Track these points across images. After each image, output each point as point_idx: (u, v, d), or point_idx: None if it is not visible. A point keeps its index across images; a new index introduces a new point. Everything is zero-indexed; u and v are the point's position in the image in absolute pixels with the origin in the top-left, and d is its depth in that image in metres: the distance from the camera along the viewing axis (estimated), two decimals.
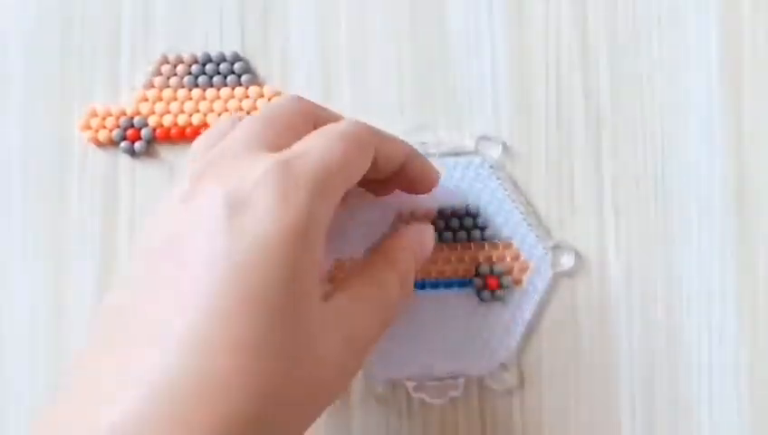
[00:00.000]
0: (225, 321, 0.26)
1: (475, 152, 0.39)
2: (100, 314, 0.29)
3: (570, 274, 0.39)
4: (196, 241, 0.27)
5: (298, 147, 0.30)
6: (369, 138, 0.32)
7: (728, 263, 0.39)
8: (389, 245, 0.35)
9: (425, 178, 0.36)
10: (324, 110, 0.34)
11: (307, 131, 0.32)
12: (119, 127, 0.40)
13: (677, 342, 0.39)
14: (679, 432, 0.39)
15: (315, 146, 0.30)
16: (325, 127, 0.31)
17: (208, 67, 0.40)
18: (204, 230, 0.27)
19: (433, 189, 0.37)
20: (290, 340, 0.27)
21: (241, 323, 0.26)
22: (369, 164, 0.32)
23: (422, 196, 0.38)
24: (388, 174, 0.34)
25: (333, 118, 0.34)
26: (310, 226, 0.28)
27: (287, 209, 0.28)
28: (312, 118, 0.33)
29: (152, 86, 0.41)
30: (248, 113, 0.40)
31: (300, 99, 0.33)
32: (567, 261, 0.39)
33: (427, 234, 0.37)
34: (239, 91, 0.40)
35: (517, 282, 0.39)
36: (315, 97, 0.40)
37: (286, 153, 0.29)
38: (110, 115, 0.40)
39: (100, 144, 0.40)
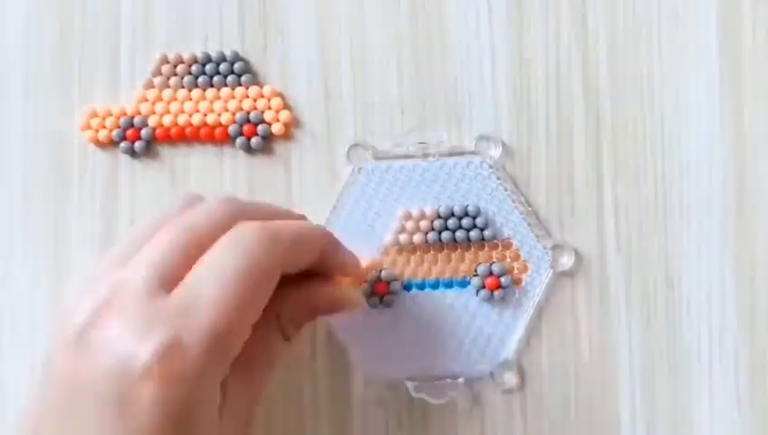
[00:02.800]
0: None
1: (475, 152, 0.39)
2: None
3: (569, 274, 0.39)
4: (84, 416, 0.28)
5: (187, 299, 0.29)
6: (274, 257, 0.31)
7: (728, 263, 0.39)
8: (279, 305, 0.33)
9: (344, 273, 0.36)
10: (256, 213, 0.33)
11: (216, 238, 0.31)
12: (119, 127, 0.40)
13: (677, 342, 0.39)
14: (679, 432, 0.39)
15: (205, 304, 0.29)
16: (219, 261, 0.30)
17: (208, 67, 0.40)
18: (93, 411, 0.28)
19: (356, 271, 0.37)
20: None
21: None
22: (275, 284, 0.31)
23: (422, 196, 0.38)
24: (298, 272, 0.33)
25: (258, 215, 0.33)
26: (198, 406, 0.28)
27: (173, 401, 0.27)
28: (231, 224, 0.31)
29: (152, 86, 0.41)
30: (248, 114, 0.40)
31: (228, 206, 0.32)
32: (567, 261, 0.39)
33: (341, 299, 0.35)
34: (239, 91, 0.40)
35: (517, 282, 0.39)
36: (315, 97, 0.40)
37: (177, 321, 0.28)
38: (110, 115, 0.40)
39: (100, 144, 0.40)
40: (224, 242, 0.30)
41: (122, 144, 0.40)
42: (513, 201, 0.39)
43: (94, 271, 0.31)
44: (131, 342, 0.28)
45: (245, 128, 0.40)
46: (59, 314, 0.30)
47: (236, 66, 0.40)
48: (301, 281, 0.34)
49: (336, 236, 0.36)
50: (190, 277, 0.29)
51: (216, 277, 0.29)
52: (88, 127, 0.40)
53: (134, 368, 0.27)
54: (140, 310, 0.28)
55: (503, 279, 0.39)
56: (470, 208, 0.39)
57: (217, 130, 0.40)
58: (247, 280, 0.29)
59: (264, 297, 0.30)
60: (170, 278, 0.29)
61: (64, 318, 0.29)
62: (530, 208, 0.39)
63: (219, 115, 0.40)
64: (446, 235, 0.39)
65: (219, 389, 0.29)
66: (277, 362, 0.33)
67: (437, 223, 0.39)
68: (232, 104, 0.40)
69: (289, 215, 0.35)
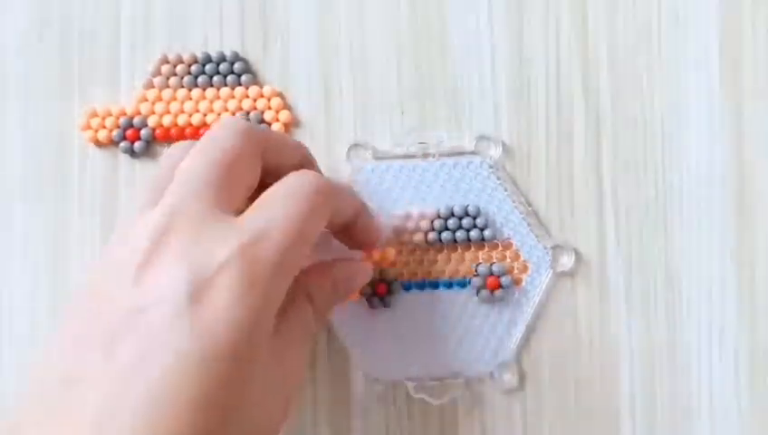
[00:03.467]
0: (172, 410, 0.26)
1: (475, 152, 0.39)
2: (38, 379, 0.28)
3: (569, 274, 0.39)
4: (154, 333, 0.27)
5: (259, 221, 0.29)
6: (328, 197, 0.32)
7: (728, 263, 0.39)
8: (309, 280, 0.34)
9: (367, 238, 0.37)
10: (271, 137, 0.33)
11: (256, 177, 0.32)
12: (118, 127, 0.40)
13: (677, 342, 0.39)
14: (679, 432, 0.39)
15: (277, 222, 0.29)
16: (285, 189, 0.31)
17: (208, 67, 0.40)
18: (162, 319, 0.27)
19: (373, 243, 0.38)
20: (233, 429, 0.28)
21: (185, 419, 0.26)
22: (325, 223, 0.32)
23: (422, 196, 0.38)
24: (333, 228, 0.35)
25: (282, 145, 0.34)
26: (267, 312, 0.29)
27: (248, 305, 0.28)
28: (260, 153, 0.32)
29: (152, 86, 0.41)
30: (248, 113, 0.40)
31: (245, 132, 0.32)
32: (567, 261, 0.39)
33: (357, 271, 0.36)
34: (239, 91, 0.40)
35: (517, 282, 0.39)
36: (315, 97, 0.40)
37: (248, 232, 0.29)
38: (110, 115, 0.40)
39: (100, 144, 0.40)
40: (290, 180, 0.31)
41: (122, 144, 0.40)
42: (513, 201, 0.39)
43: (134, 209, 0.31)
44: (206, 249, 0.28)
45: None
46: (107, 255, 0.30)
47: (236, 66, 0.40)
48: (328, 263, 0.35)
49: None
50: (257, 203, 0.30)
51: (284, 204, 0.30)
52: (88, 127, 0.40)
53: (209, 268, 0.27)
54: (207, 223, 0.29)
55: (503, 279, 0.39)
56: (470, 208, 0.39)
57: None
58: (313, 206, 0.30)
59: (323, 221, 0.32)
60: (226, 195, 0.30)
61: (117, 257, 0.29)
62: (530, 208, 0.39)
63: (219, 115, 0.40)
64: (446, 235, 0.39)
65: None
66: (310, 342, 0.34)
67: (437, 223, 0.39)
68: (232, 104, 0.40)
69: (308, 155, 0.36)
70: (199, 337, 0.27)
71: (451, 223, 0.39)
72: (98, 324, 0.27)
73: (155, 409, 0.26)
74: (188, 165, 0.30)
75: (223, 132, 0.31)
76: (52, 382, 0.27)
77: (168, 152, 0.33)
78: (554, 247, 0.39)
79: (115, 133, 0.40)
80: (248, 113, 0.40)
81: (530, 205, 0.39)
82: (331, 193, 0.32)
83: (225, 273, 0.27)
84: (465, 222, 0.39)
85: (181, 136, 0.40)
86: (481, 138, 0.39)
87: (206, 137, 0.31)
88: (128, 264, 0.28)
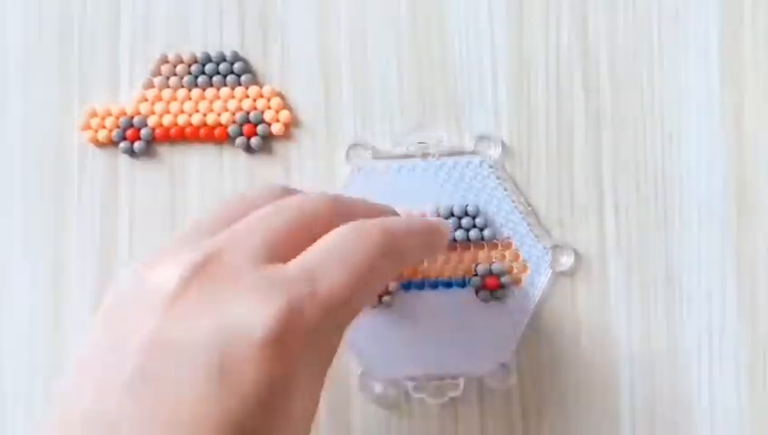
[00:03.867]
0: None
1: (475, 152, 0.39)
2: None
3: (569, 273, 0.39)
4: (180, 389, 0.26)
5: (304, 282, 0.27)
6: (394, 253, 0.30)
7: (728, 263, 0.39)
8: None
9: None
10: (357, 209, 0.32)
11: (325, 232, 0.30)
12: (118, 127, 0.40)
13: (677, 342, 0.39)
14: (679, 432, 0.39)
15: (326, 278, 0.27)
16: (341, 243, 0.29)
17: (208, 67, 0.40)
18: (190, 381, 0.26)
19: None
20: None
21: None
22: (389, 280, 0.31)
23: (421, 196, 0.38)
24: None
25: (368, 212, 0.32)
26: (299, 379, 0.27)
27: (283, 372, 0.26)
28: (340, 222, 0.30)
29: (152, 86, 0.41)
30: (248, 114, 0.40)
31: (332, 201, 0.31)
32: (566, 261, 0.39)
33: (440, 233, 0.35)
34: (239, 91, 0.40)
35: (516, 281, 0.39)
36: (315, 97, 0.40)
37: (291, 292, 0.27)
38: (110, 115, 0.40)
39: (99, 144, 0.40)
40: (344, 230, 0.29)
41: (122, 144, 0.40)
42: (513, 201, 0.39)
43: (175, 242, 0.29)
44: (242, 307, 0.26)
45: (245, 128, 0.40)
46: (133, 280, 0.28)
47: (236, 66, 0.40)
48: None
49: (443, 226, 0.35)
50: (309, 252, 0.28)
51: (339, 257, 0.28)
52: (88, 127, 0.40)
53: (245, 332, 0.26)
54: (246, 275, 0.27)
55: (502, 279, 0.39)
56: (469, 208, 0.39)
57: (217, 130, 0.40)
58: (368, 268, 0.28)
59: (378, 289, 0.30)
60: (279, 250, 0.28)
61: (146, 284, 0.27)
62: (529, 208, 0.39)
63: (219, 115, 0.40)
64: None
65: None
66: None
67: None
68: (231, 104, 0.40)
69: (388, 212, 0.34)
70: (227, 402, 0.25)
71: (450, 223, 0.39)
72: (124, 357, 0.26)
73: None
74: (261, 213, 0.29)
75: (309, 200, 0.30)
76: (75, 419, 0.26)
77: (254, 192, 0.31)
78: (554, 247, 0.39)
79: (115, 133, 0.40)
80: (248, 113, 0.40)
81: (529, 205, 0.39)
82: (401, 240, 0.30)
83: (257, 347, 0.26)
84: (465, 222, 0.39)
85: (181, 136, 0.40)
86: (481, 137, 0.39)
87: (292, 199, 0.30)
88: (161, 294, 0.27)
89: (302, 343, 0.27)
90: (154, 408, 0.25)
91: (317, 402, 0.29)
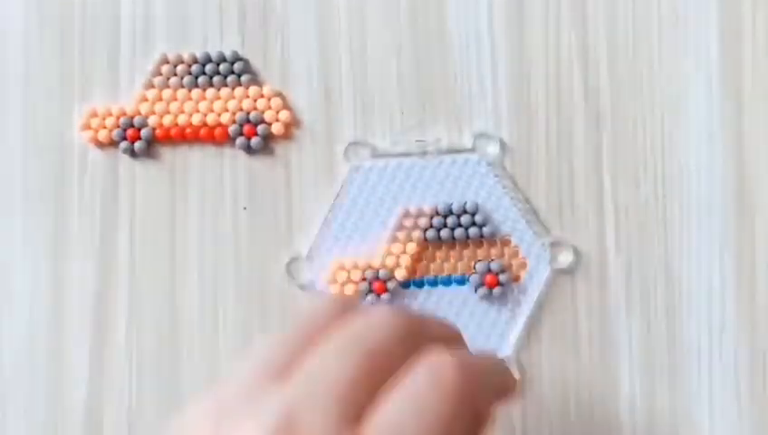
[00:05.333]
0: None
1: (473, 150, 0.39)
2: None
3: (569, 271, 0.39)
4: None
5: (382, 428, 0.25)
6: (475, 402, 0.27)
7: (728, 263, 0.39)
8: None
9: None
10: (429, 328, 0.29)
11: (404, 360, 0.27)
12: (118, 127, 0.40)
13: (677, 342, 0.39)
14: (679, 432, 0.39)
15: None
16: (419, 406, 0.25)
17: (208, 67, 0.40)
18: None
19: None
20: None
21: None
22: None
23: (421, 194, 0.38)
24: None
25: (439, 335, 0.29)
26: None
27: None
28: (414, 351, 0.27)
29: (152, 86, 0.41)
30: (248, 114, 0.40)
31: (403, 322, 0.27)
32: (565, 258, 0.39)
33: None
34: (239, 91, 0.40)
35: (515, 279, 0.39)
36: (315, 97, 0.40)
37: None
38: (110, 115, 0.40)
39: (100, 144, 0.40)
40: (420, 379, 0.26)
41: (122, 144, 0.40)
42: (512, 198, 0.39)
43: (242, 379, 0.27)
44: None
45: (245, 128, 0.40)
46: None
47: (236, 66, 0.40)
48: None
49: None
50: (384, 418, 0.25)
51: (417, 426, 0.25)
52: (88, 127, 0.40)
53: None
54: None
55: (501, 276, 0.38)
56: (468, 206, 0.39)
57: (217, 131, 0.40)
58: (449, 428, 0.25)
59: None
60: (355, 411, 0.25)
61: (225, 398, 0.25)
62: (528, 206, 0.39)
63: (219, 115, 0.40)
64: (444, 232, 0.39)
65: None
66: None
67: (436, 220, 0.39)
68: (232, 104, 0.40)
69: (457, 336, 0.31)
70: None
71: (449, 221, 0.39)
72: None
73: None
74: (330, 356, 0.26)
75: (376, 332, 0.27)
76: None
77: (317, 318, 0.28)
78: (553, 244, 0.39)
79: (115, 133, 0.40)
80: (248, 113, 0.40)
81: (528, 202, 0.39)
82: (480, 384, 0.27)
83: None
84: (464, 219, 0.39)
85: (181, 136, 0.40)
86: (479, 136, 0.39)
87: (356, 330, 0.27)
88: None
89: None
90: None
91: None
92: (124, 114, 0.40)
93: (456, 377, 0.26)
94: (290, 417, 0.24)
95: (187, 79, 0.40)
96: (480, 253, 0.39)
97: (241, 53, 0.41)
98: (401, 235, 0.39)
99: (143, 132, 0.40)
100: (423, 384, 0.26)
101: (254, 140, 0.40)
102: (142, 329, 0.40)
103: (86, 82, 0.41)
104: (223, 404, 0.26)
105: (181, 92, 0.40)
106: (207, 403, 0.26)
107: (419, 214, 0.39)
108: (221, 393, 0.26)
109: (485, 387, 0.28)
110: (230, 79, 0.40)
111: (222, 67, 0.40)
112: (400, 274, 0.39)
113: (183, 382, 0.40)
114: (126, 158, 0.40)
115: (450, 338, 0.29)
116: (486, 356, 0.30)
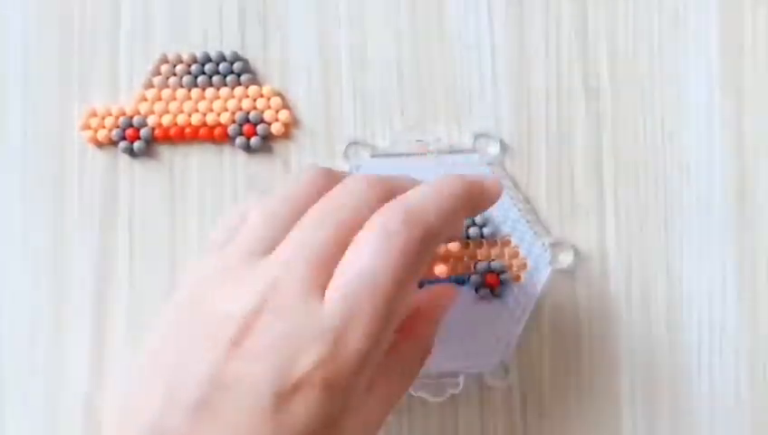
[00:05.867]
0: None
1: (474, 150, 0.39)
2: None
3: (569, 271, 0.39)
4: (235, 421, 0.27)
5: (344, 310, 0.28)
6: (425, 251, 0.30)
7: (728, 263, 0.39)
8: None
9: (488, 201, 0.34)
10: (394, 186, 0.32)
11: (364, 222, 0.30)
12: (118, 127, 0.40)
13: (677, 341, 0.39)
14: (679, 432, 0.39)
15: (362, 315, 0.28)
16: (371, 268, 0.29)
17: (208, 67, 0.40)
18: (245, 414, 0.27)
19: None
20: None
21: None
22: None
23: None
24: None
25: (404, 190, 0.31)
26: (346, 414, 0.29)
27: (328, 407, 0.28)
28: (379, 204, 0.30)
29: (151, 86, 0.41)
30: (247, 113, 0.40)
31: (371, 185, 0.31)
32: (566, 258, 0.39)
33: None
34: (239, 90, 0.40)
35: (516, 279, 0.39)
36: (315, 96, 0.40)
37: (333, 329, 0.28)
38: (110, 115, 0.40)
39: (99, 144, 0.40)
40: (372, 240, 0.29)
41: (121, 144, 0.40)
42: (512, 198, 0.39)
43: (242, 249, 0.30)
44: (290, 350, 0.28)
45: (245, 127, 0.40)
46: (194, 292, 0.30)
47: (236, 66, 0.40)
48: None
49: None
50: (342, 284, 0.29)
51: (369, 290, 0.28)
52: (87, 127, 0.40)
53: (293, 375, 0.27)
54: (298, 317, 0.28)
55: (502, 276, 0.38)
56: None
57: (217, 130, 0.40)
58: (397, 287, 0.29)
59: (409, 298, 0.31)
60: (325, 278, 0.29)
61: (216, 310, 0.29)
62: (528, 206, 0.39)
63: (218, 115, 0.40)
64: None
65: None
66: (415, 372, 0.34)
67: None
68: (231, 104, 0.40)
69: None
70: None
71: None
72: (190, 384, 0.28)
73: None
74: (307, 228, 0.30)
75: (348, 201, 0.30)
76: (138, 427, 0.28)
77: (298, 189, 0.32)
78: (553, 245, 0.39)
79: (114, 133, 0.40)
80: (248, 113, 0.40)
81: (528, 202, 0.39)
82: (439, 222, 0.30)
83: (308, 380, 0.28)
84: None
85: (180, 136, 0.40)
86: (479, 135, 0.39)
87: (332, 202, 0.31)
88: (226, 332, 0.28)
89: (352, 377, 0.28)
90: None
91: (378, 424, 0.31)
92: (123, 114, 0.40)
93: (403, 232, 0.29)
94: (273, 284, 0.29)
95: (186, 78, 0.40)
96: (480, 253, 0.39)
97: (241, 53, 0.41)
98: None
99: (142, 132, 0.40)
100: (374, 243, 0.29)
101: (254, 140, 0.40)
102: (142, 329, 0.40)
103: (85, 81, 0.41)
104: (228, 264, 0.30)
105: (180, 92, 0.40)
106: (219, 263, 0.30)
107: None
108: (227, 259, 0.30)
109: (440, 218, 0.30)
110: (229, 79, 0.40)
111: (221, 67, 0.40)
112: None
113: None
114: (125, 157, 0.40)
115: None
116: (445, 182, 0.32)
